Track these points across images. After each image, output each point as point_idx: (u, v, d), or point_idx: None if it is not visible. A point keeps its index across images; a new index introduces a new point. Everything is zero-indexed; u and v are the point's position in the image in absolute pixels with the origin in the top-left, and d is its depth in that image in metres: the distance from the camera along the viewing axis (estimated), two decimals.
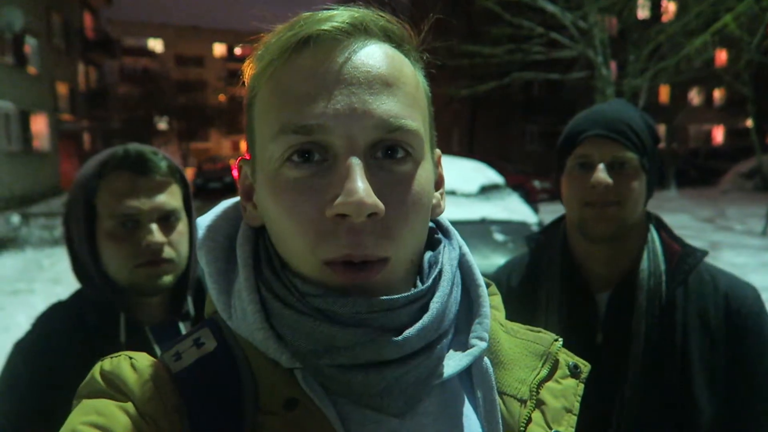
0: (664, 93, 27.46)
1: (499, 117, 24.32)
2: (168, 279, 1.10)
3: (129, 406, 0.51)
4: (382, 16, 0.55)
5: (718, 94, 32.02)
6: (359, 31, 0.53)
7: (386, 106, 0.51)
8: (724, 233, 10.72)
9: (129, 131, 28.12)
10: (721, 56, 18.62)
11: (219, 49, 52.32)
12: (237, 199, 0.63)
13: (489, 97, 14.74)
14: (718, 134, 33.74)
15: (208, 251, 0.59)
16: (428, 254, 0.59)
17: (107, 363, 0.55)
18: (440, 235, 0.63)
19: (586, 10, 10.70)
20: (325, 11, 0.53)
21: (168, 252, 1.09)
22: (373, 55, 0.52)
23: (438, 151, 0.61)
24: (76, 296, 1.15)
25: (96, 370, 0.54)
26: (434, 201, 0.59)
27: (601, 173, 1.08)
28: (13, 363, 1.05)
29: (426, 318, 0.52)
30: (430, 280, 0.55)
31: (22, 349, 1.06)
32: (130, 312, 1.11)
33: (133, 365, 0.54)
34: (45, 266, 8.95)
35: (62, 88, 22.73)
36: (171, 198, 1.11)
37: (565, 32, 11.66)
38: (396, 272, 0.53)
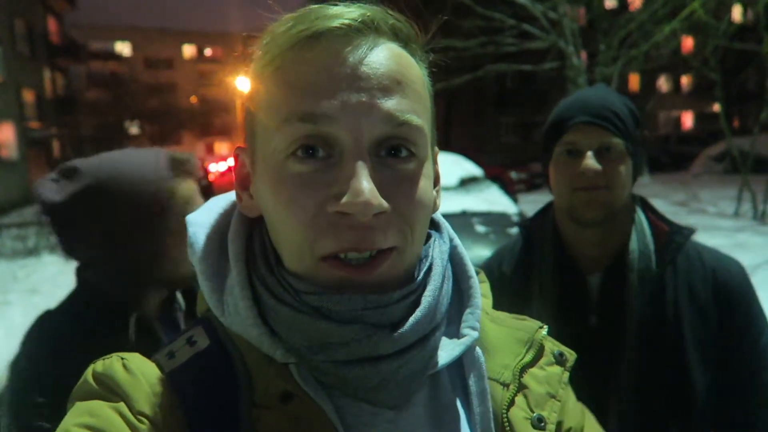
0: (634, 81, 27.89)
1: (473, 110, 24.46)
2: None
3: (122, 406, 0.51)
4: (390, 14, 0.54)
5: (685, 80, 32.65)
6: (369, 29, 0.53)
7: (394, 101, 0.51)
8: (697, 216, 10.94)
9: (100, 137, 27.64)
10: (687, 43, 18.96)
11: (189, 50, 51.50)
12: (227, 195, 0.62)
13: (463, 91, 14.81)
14: (687, 119, 34.40)
15: (200, 248, 0.59)
16: None
17: (99, 365, 0.55)
18: (431, 229, 0.63)
19: (556, 0, 10.81)
20: (334, 7, 0.53)
21: None
22: (383, 54, 0.52)
23: (436, 148, 0.61)
24: (71, 302, 1.13)
25: (88, 373, 0.55)
26: None
27: (590, 160, 1.10)
28: (24, 370, 1.03)
29: (418, 312, 0.53)
30: (421, 274, 0.56)
31: (30, 355, 1.04)
32: (138, 310, 1.12)
33: (125, 365, 0.54)
34: (20, 277, 8.75)
35: (28, 95, 22.22)
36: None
37: (536, 23, 11.77)
38: (403, 267, 0.53)
